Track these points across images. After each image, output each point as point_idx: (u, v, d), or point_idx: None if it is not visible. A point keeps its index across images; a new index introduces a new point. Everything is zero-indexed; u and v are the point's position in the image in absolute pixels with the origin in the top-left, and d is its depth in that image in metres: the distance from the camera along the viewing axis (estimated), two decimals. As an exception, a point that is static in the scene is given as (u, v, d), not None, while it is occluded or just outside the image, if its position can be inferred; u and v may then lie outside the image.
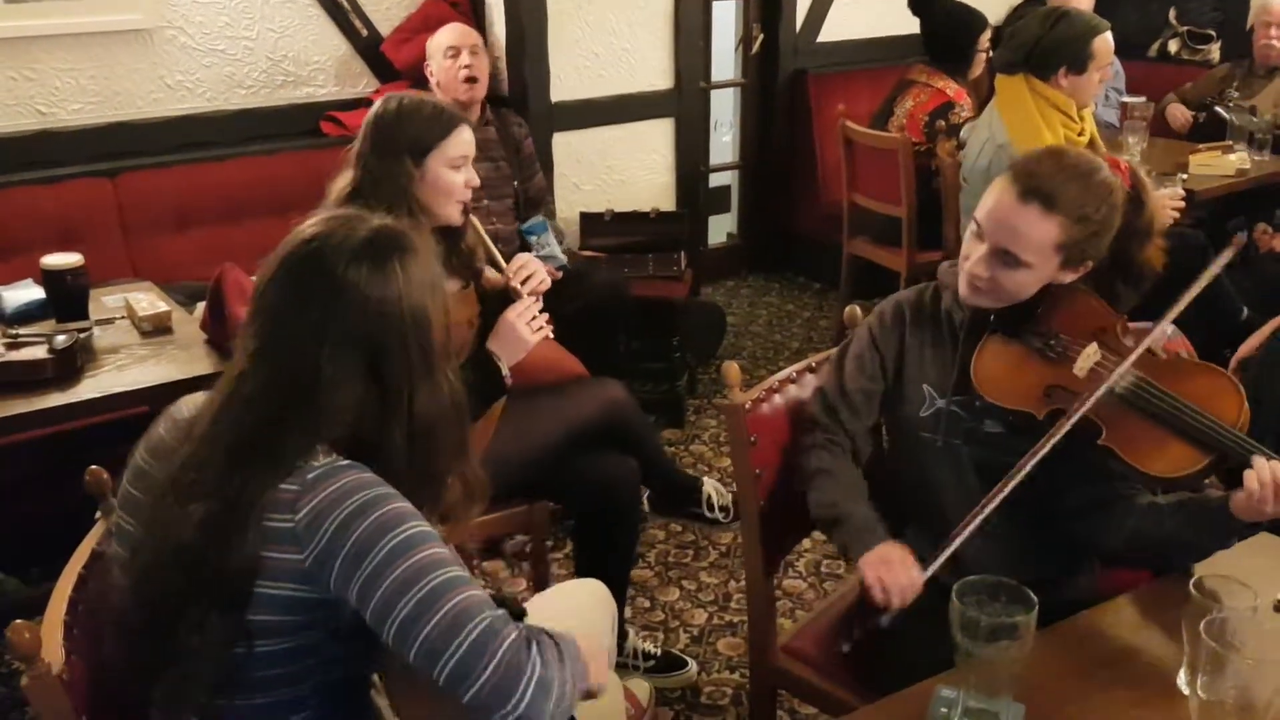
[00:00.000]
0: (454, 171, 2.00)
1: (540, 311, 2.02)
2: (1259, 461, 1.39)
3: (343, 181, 1.99)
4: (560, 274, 2.91)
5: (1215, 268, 1.58)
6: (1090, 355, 1.56)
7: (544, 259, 2.88)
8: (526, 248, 3.13)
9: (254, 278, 2.28)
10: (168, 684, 1.19)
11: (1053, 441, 1.49)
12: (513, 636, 1.10)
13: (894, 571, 1.52)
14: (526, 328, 1.97)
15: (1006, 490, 1.50)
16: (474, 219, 2.10)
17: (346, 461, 1.17)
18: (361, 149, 1.99)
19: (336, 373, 1.17)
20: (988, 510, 1.50)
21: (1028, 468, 1.50)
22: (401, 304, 1.20)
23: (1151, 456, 1.47)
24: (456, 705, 1.10)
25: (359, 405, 1.19)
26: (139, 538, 1.22)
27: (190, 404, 1.28)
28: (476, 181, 2.06)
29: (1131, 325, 1.63)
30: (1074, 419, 1.49)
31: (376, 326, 1.19)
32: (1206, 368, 1.58)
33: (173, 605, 1.16)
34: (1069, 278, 1.62)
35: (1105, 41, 2.96)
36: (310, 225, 1.25)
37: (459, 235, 2.07)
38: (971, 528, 1.50)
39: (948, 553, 1.51)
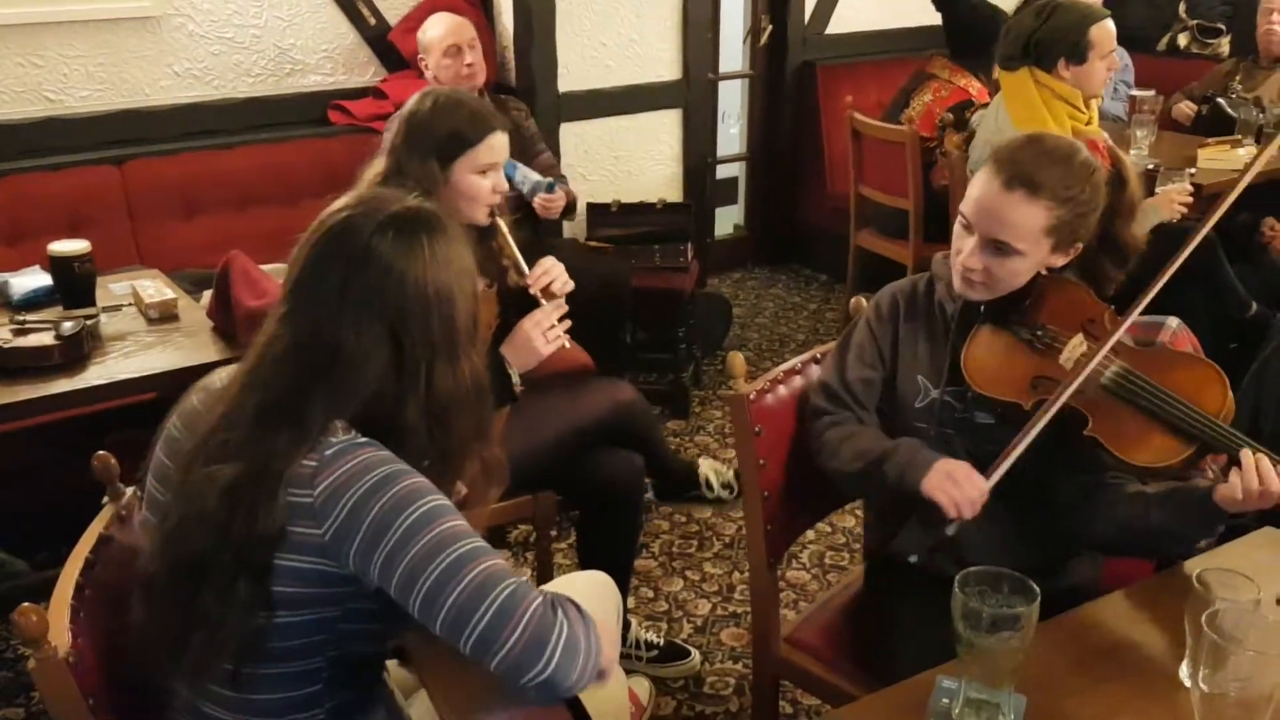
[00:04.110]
0: (481, 177, 2.00)
1: (562, 319, 1.99)
2: (1246, 459, 1.39)
3: (375, 169, 2.00)
4: (558, 198, 2.87)
5: (1201, 232, 1.58)
6: (1076, 346, 1.57)
7: (530, 192, 2.83)
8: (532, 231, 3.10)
9: (264, 265, 2.30)
10: (194, 650, 1.20)
11: (1043, 422, 1.50)
12: (538, 600, 1.12)
13: (960, 485, 1.51)
14: (542, 337, 1.95)
15: (1038, 429, 1.50)
16: (501, 223, 2.08)
17: (364, 439, 1.19)
18: (395, 141, 2.00)
19: (358, 341, 1.19)
20: (1028, 440, 1.50)
21: (1024, 444, 1.50)
22: (426, 279, 1.22)
23: (1136, 447, 1.47)
24: (487, 675, 1.11)
25: (379, 377, 1.20)
26: (168, 503, 1.24)
27: (224, 375, 1.31)
28: (505, 186, 2.05)
29: (1138, 319, 1.63)
30: (1070, 390, 1.49)
31: (398, 297, 1.20)
32: (1192, 358, 1.58)
33: (199, 568, 1.18)
34: (1060, 261, 1.63)
35: (1104, 29, 2.92)
36: (345, 199, 1.28)
37: (489, 234, 2.06)
38: (1018, 451, 1.51)
39: (1007, 464, 1.51)
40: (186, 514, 1.19)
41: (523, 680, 1.11)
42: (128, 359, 2.18)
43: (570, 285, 2.09)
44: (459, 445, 1.27)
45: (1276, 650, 1.09)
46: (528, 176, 2.90)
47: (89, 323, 2.22)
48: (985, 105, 3.62)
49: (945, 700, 1.25)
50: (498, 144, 2.01)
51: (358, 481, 1.14)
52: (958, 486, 1.51)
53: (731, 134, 5.05)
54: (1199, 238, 1.58)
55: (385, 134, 2.04)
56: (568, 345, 2.01)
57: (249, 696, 1.25)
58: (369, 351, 1.19)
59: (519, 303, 2.06)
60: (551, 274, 2.07)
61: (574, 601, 1.18)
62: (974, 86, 3.70)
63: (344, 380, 1.19)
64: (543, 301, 2.02)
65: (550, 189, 2.87)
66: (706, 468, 3.03)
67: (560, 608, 1.14)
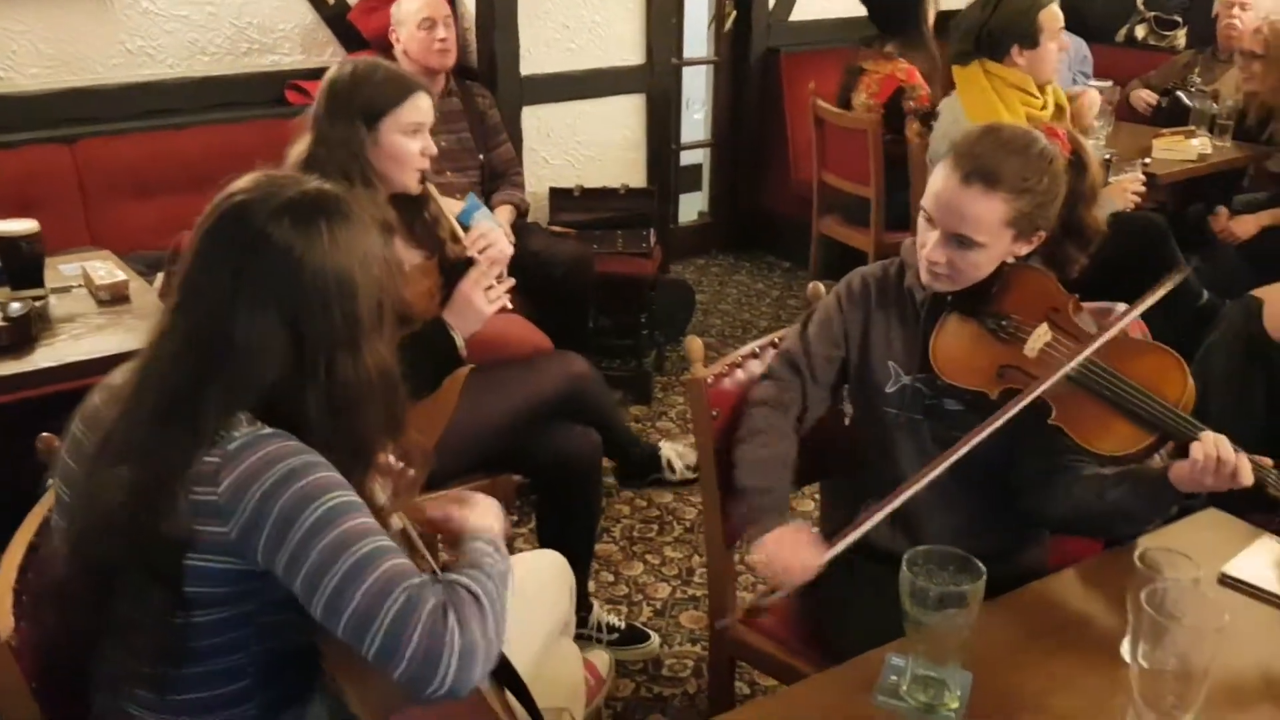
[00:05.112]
0: (409, 139, 1.98)
1: (500, 280, 1.99)
2: (1205, 434, 1.42)
3: (300, 146, 1.98)
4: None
5: (1165, 288, 1.61)
6: (1041, 336, 1.58)
7: None
8: None
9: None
10: (110, 656, 1.18)
11: (991, 429, 1.49)
12: (430, 606, 1.09)
13: (785, 554, 1.52)
14: (482, 298, 1.94)
15: (932, 475, 1.48)
16: (432, 188, 2.07)
17: (270, 430, 1.14)
18: (317, 113, 1.98)
19: (252, 331, 1.14)
20: (909, 494, 1.49)
21: (961, 452, 1.49)
22: (324, 267, 1.16)
23: (1098, 436, 1.49)
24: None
25: (276, 369, 1.16)
26: (74, 506, 1.20)
27: (124, 372, 1.26)
28: (434, 150, 2.03)
29: (1089, 305, 1.65)
30: (1011, 413, 1.49)
31: (295, 286, 1.16)
32: (1153, 347, 1.60)
33: (108, 573, 1.15)
34: (1025, 249, 1.64)
35: (1051, 12, 3.00)
36: (241, 182, 1.22)
37: (422, 204, 2.05)
38: (886, 511, 1.49)
39: (851, 539, 1.49)
40: (91, 519, 1.16)
41: (424, 694, 1.08)
42: (77, 341, 2.14)
43: (509, 251, 2.08)
44: (367, 438, 1.23)
45: (1212, 626, 1.12)
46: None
47: (37, 304, 2.18)
48: (918, 85, 3.67)
49: (894, 677, 1.27)
50: (423, 104, 2.00)
51: (262, 476, 1.11)
52: (782, 555, 1.52)
53: (696, 120, 5.05)
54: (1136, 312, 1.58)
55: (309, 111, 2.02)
56: (509, 306, 2.00)
57: (175, 698, 1.22)
58: (264, 343, 1.15)
59: (463, 272, 2.03)
60: (489, 238, 2.05)
61: (470, 589, 1.14)
62: (901, 69, 3.73)
63: (239, 374, 1.15)
64: (480, 263, 2.00)
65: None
66: (669, 450, 3.04)
67: (452, 609, 1.10)
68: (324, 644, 1.23)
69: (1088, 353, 1.52)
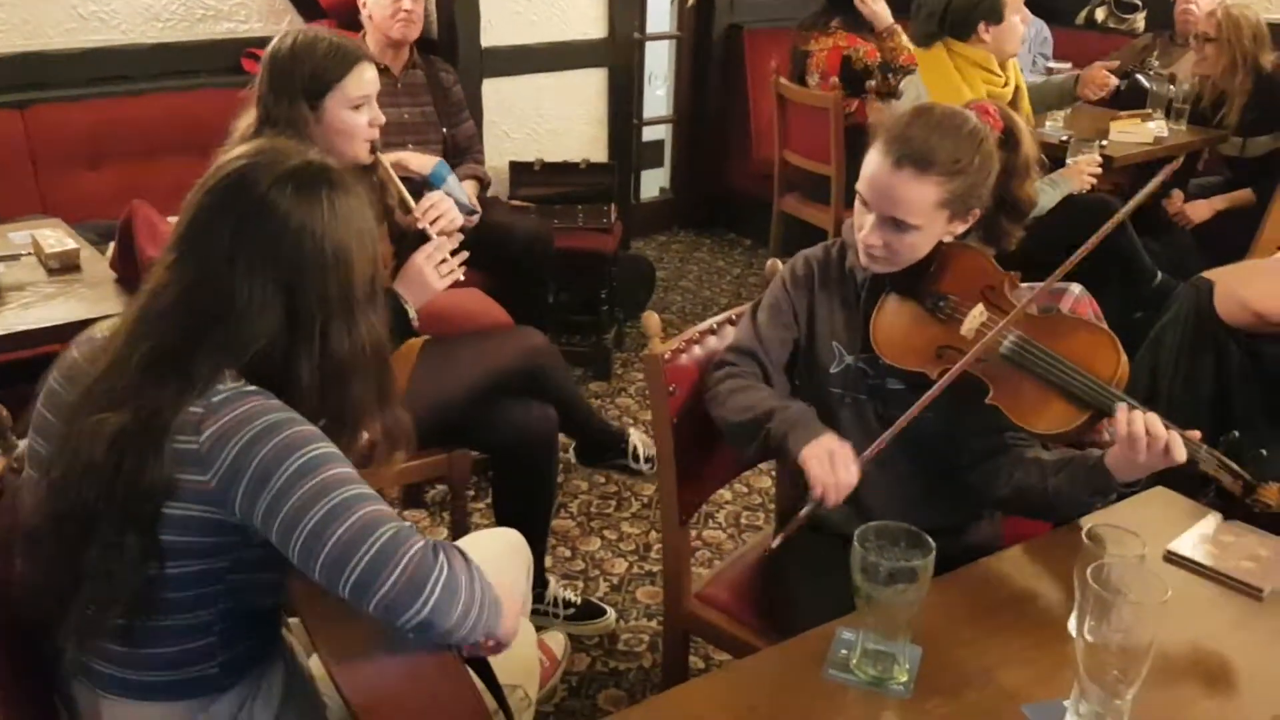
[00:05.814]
0: (355, 112, 1.95)
1: (454, 253, 1.98)
2: (1120, 412, 1.43)
3: (246, 120, 1.94)
4: (474, 220, 2.83)
5: (1121, 214, 1.61)
6: (976, 316, 1.59)
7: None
8: None
9: (170, 217, 2.23)
10: (83, 605, 1.18)
11: (930, 398, 1.52)
12: (419, 544, 1.12)
13: (836, 468, 1.50)
14: (434, 271, 1.94)
15: (910, 415, 1.52)
16: (383, 157, 2.05)
17: (253, 388, 1.17)
18: (260, 89, 1.94)
19: (250, 294, 1.17)
20: (903, 424, 1.52)
21: (916, 410, 1.52)
22: (324, 236, 1.20)
23: (1034, 414, 1.51)
24: (371, 623, 1.12)
25: (270, 332, 1.19)
26: (51, 456, 1.21)
27: (105, 327, 1.27)
28: (381, 119, 2.01)
29: (1033, 285, 1.66)
30: (945, 381, 1.52)
31: (294, 252, 1.19)
32: (1086, 324, 1.62)
33: (84, 521, 1.16)
34: (960, 228, 1.64)
35: None
36: (244, 147, 1.25)
37: (369, 170, 2.03)
38: (891, 434, 1.52)
39: (876, 449, 1.52)
40: (72, 465, 1.16)
41: (400, 620, 1.11)
42: (26, 310, 2.11)
43: (459, 221, 2.07)
44: (355, 409, 1.26)
45: (1155, 601, 1.14)
46: (457, 195, 2.86)
47: (-16, 273, 2.15)
48: (859, 48, 3.71)
49: (844, 651, 1.28)
50: (367, 75, 1.96)
51: (243, 428, 1.13)
52: (833, 469, 1.50)
53: (658, 95, 5.03)
54: (1112, 224, 1.60)
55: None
56: (461, 279, 2.00)
57: (141, 650, 1.23)
58: (260, 305, 1.18)
59: (417, 241, 2.02)
60: (439, 209, 2.04)
61: (461, 551, 1.18)
62: (841, 38, 3.77)
63: (233, 332, 1.17)
64: (433, 236, 2.00)
65: (470, 213, 2.80)
66: (636, 438, 3.02)
67: (442, 551, 1.14)
68: (296, 593, 1.23)
69: (1017, 311, 1.54)
